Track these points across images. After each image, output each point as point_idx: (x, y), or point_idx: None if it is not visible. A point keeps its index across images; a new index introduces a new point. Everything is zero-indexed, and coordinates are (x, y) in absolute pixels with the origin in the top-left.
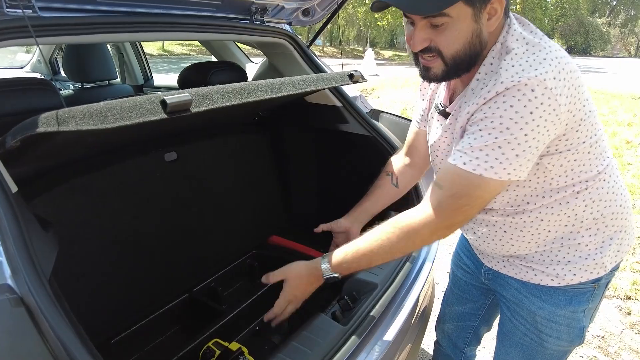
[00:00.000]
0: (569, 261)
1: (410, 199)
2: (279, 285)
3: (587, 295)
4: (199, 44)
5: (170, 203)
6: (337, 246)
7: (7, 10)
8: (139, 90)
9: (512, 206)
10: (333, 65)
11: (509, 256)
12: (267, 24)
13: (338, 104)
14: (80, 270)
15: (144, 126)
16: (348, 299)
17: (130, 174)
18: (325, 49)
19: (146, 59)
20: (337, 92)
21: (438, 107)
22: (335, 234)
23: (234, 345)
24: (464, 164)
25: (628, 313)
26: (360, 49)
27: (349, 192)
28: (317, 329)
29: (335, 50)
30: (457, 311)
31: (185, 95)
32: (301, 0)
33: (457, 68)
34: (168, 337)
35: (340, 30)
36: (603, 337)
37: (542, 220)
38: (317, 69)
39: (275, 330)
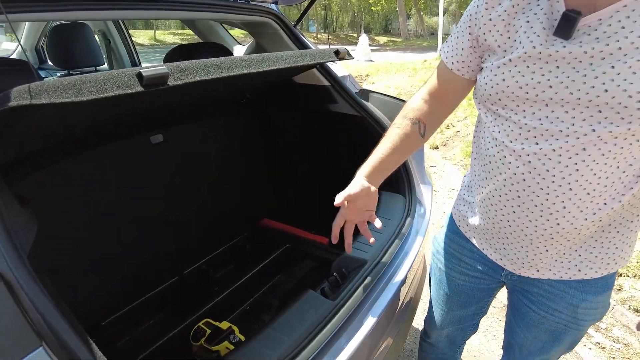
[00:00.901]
0: (617, 247)
1: (400, 178)
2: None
3: (615, 274)
4: (191, 33)
5: (157, 186)
6: (351, 211)
7: None
8: None
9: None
10: None
11: (564, 254)
12: (251, 2)
13: (327, 84)
14: (66, 254)
15: (125, 104)
16: (337, 276)
17: (115, 157)
18: (319, 35)
19: (134, 45)
20: (326, 71)
21: (564, 19)
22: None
23: (224, 324)
24: None
25: (620, 290)
26: (355, 35)
27: (339, 173)
28: (306, 305)
29: (330, 36)
30: (459, 316)
31: (162, 68)
32: None
33: None
34: (159, 319)
35: (334, 17)
36: None
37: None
38: (304, 47)
39: (265, 310)
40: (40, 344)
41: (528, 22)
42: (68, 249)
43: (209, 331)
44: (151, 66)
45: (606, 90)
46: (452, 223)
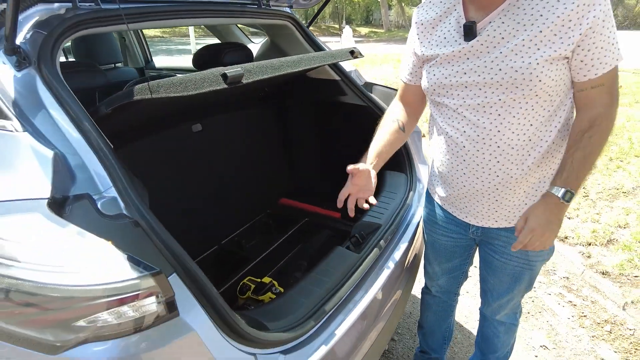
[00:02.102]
0: None
1: (403, 160)
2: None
3: None
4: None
5: (198, 167)
6: (356, 187)
7: (80, 3)
8: (141, 72)
9: (566, 115)
10: None
11: (511, 201)
12: (272, 7)
13: (337, 78)
14: None
15: (179, 98)
16: (358, 237)
17: (167, 142)
18: None
19: (147, 43)
20: (336, 67)
21: (466, 28)
22: (356, 177)
23: (266, 279)
24: (617, 59)
25: (588, 257)
26: (337, 26)
27: (348, 157)
28: (335, 257)
29: (311, 28)
30: (448, 267)
31: (238, 69)
32: None
33: None
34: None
35: (316, 7)
36: (567, 277)
37: (560, 139)
38: (316, 46)
39: (296, 268)
40: (174, 271)
41: (444, 33)
42: None
43: (253, 286)
44: (229, 68)
45: (500, 69)
46: (428, 196)
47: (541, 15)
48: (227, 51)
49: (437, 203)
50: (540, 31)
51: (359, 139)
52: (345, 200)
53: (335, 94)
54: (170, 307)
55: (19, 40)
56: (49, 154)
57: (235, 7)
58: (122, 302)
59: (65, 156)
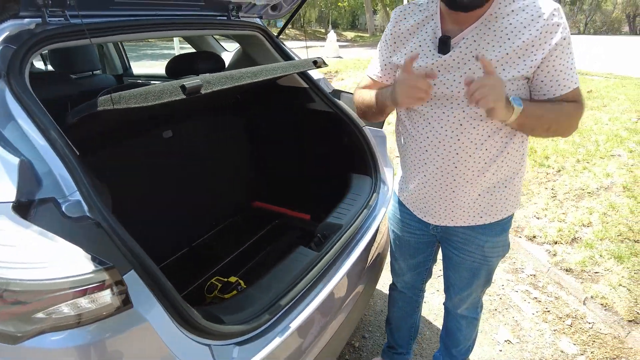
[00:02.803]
0: (507, 198)
1: (368, 164)
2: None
3: (510, 221)
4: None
5: (170, 172)
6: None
7: (49, 19)
8: (119, 79)
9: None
10: (295, 47)
11: (466, 202)
12: (242, 19)
13: (305, 85)
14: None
15: (150, 106)
16: (320, 237)
17: (139, 148)
18: (287, 31)
19: (125, 51)
20: (304, 75)
21: (441, 42)
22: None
23: (232, 279)
24: (576, 83)
25: (554, 255)
26: (323, 30)
27: (317, 160)
28: (296, 256)
29: (297, 32)
30: (412, 264)
31: (197, 81)
32: None
33: None
34: (175, 281)
35: (302, 12)
36: (534, 275)
37: (516, 150)
38: (285, 56)
39: (263, 267)
40: (131, 268)
41: (419, 43)
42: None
43: (220, 285)
44: (188, 79)
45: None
46: (395, 195)
47: (509, 39)
48: (198, 60)
49: (401, 201)
50: (507, 53)
51: (327, 143)
52: None
53: (304, 101)
54: (124, 299)
55: None
56: (16, 161)
57: (204, 19)
58: (78, 294)
59: (32, 163)
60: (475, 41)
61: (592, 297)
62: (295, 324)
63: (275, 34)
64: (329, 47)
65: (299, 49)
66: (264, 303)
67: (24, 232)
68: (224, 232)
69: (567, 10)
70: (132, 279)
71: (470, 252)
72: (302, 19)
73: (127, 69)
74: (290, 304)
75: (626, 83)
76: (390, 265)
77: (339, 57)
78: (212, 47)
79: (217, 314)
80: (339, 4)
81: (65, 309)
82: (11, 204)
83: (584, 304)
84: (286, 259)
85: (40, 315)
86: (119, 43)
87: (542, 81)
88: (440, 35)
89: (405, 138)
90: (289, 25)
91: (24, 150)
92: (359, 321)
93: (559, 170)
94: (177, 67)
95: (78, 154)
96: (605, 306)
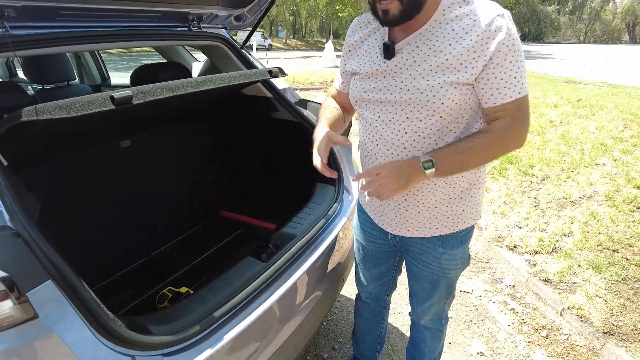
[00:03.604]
0: (463, 210)
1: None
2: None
3: (469, 234)
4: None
5: (127, 182)
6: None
7: None
8: (97, 89)
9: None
10: (296, 57)
11: (421, 214)
12: (203, 29)
13: (269, 95)
14: (56, 230)
15: (101, 116)
16: (272, 247)
17: (92, 158)
18: (288, 41)
19: (102, 61)
20: (268, 85)
21: (385, 47)
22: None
23: (182, 289)
24: (519, 92)
25: (534, 265)
26: (324, 40)
27: (283, 168)
28: (241, 266)
29: (298, 42)
30: (376, 274)
31: (128, 91)
32: (232, 9)
33: (412, 9)
34: (130, 290)
35: (303, 22)
36: (513, 285)
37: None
38: (249, 65)
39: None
40: (49, 278)
41: (368, 50)
42: (57, 226)
43: (170, 295)
44: (120, 90)
45: (409, 90)
46: (359, 204)
47: (450, 44)
48: (164, 71)
49: (363, 210)
50: (447, 59)
51: (293, 151)
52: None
53: (268, 110)
54: (27, 310)
55: None
56: None
57: (163, 30)
58: None
59: None
60: (417, 47)
61: (569, 308)
62: (230, 335)
63: (243, 44)
64: (326, 57)
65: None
66: (198, 314)
67: None
68: (185, 242)
69: (566, 19)
70: (47, 288)
71: (428, 264)
72: (303, 30)
73: (105, 78)
74: (227, 315)
75: (617, 92)
76: (355, 275)
77: (336, 66)
78: (182, 57)
79: (146, 324)
80: (340, 14)
81: None
82: None
83: (561, 315)
84: (230, 269)
85: None
86: (96, 54)
87: (482, 89)
88: (385, 41)
89: (360, 143)
90: (290, 35)
91: None
92: (318, 332)
93: (543, 179)
94: (140, 77)
95: (5, 164)
96: (582, 317)
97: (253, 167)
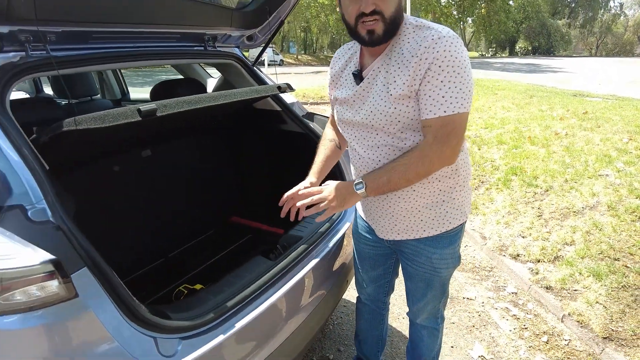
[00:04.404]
0: (447, 212)
1: (334, 177)
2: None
3: (458, 234)
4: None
5: (147, 188)
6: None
7: (31, 52)
8: (117, 104)
9: None
10: (307, 72)
11: (407, 218)
12: (218, 49)
13: (278, 108)
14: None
15: (126, 127)
16: (280, 248)
17: (115, 166)
18: (300, 56)
19: (123, 78)
20: (277, 99)
21: (357, 75)
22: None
23: (197, 286)
24: (445, 111)
25: (536, 273)
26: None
27: (291, 178)
28: (252, 264)
29: (309, 57)
30: (373, 276)
31: (152, 105)
32: (244, 29)
33: (393, 28)
34: (149, 288)
35: (314, 38)
36: (516, 293)
37: (444, 170)
38: (260, 82)
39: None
40: (84, 265)
41: (346, 77)
42: (86, 224)
43: (186, 292)
44: (146, 104)
45: (371, 111)
46: (356, 210)
47: (399, 68)
48: (181, 87)
49: (360, 215)
50: (395, 81)
51: (300, 162)
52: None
53: (277, 123)
54: (70, 290)
55: None
56: None
57: (182, 50)
58: (27, 283)
59: (5, 175)
60: (379, 71)
61: (569, 314)
62: (241, 323)
63: (268, 62)
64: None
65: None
66: (212, 304)
67: None
68: (199, 245)
69: (577, 33)
70: (84, 274)
71: (421, 264)
72: (314, 45)
73: (125, 93)
74: (238, 306)
75: (624, 104)
76: (355, 277)
77: None
78: (198, 74)
79: (166, 311)
80: None
81: (18, 295)
82: None
83: (562, 321)
84: (242, 266)
85: None
86: (117, 70)
87: (418, 103)
88: (355, 69)
89: (350, 158)
90: (302, 51)
91: (0, 163)
92: (322, 329)
93: (547, 190)
94: (160, 92)
95: (47, 168)
96: (582, 323)
97: (262, 176)
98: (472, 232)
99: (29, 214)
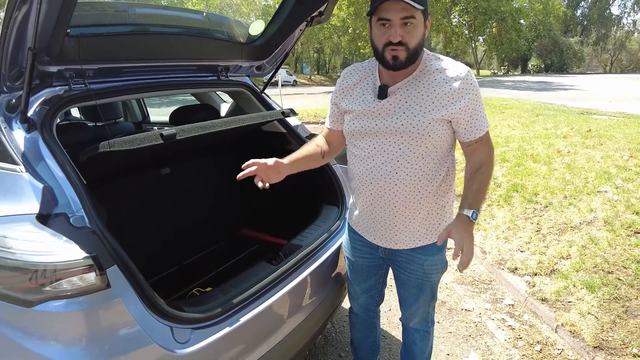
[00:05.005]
0: (440, 223)
1: (336, 195)
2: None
3: (446, 241)
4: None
5: (165, 203)
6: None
7: (73, 86)
8: (138, 126)
9: (441, 165)
10: (319, 92)
11: (407, 228)
12: (230, 78)
13: (284, 131)
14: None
15: (150, 148)
16: (282, 255)
17: (140, 182)
18: (313, 77)
19: (144, 103)
20: (283, 122)
21: (380, 89)
22: (263, 166)
23: (208, 289)
24: (487, 126)
25: (533, 285)
26: None
27: (296, 193)
28: (257, 268)
29: (322, 78)
30: (365, 287)
31: (173, 130)
32: (253, 61)
33: (413, 58)
34: (164, 292)
35: (327, 59)
36: (512, 304)
37: (444, 183)
38: (268, 107)
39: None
40: (114, 263)
41: (362, 92)
42: (113, 232)
43: (198, 294)
44: (167, 128)
45: (402, 124)
46: (348, 225)
47: (434, 90)
48: (197, 112)
49: (352, 228)
50: (432, 102)
51: (303, 179)
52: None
53: (283, 144)
54: (105, 281)
55: (30, 113)
56: (41, 186)
57: (197, 80)
58: (71, 274)
59: (52, 188)
60: (407, 90)
61: (562, 324)
62: (244, 318)
63: (276, 88)
64: None
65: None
66: (220, 301)
67: (42, 234)
68: (211, 254)
69: (590, 50)
70: (114, 271)
71: (413, 271)
72: (327, 66)
73: (145, 116)
74: (243, 303)
75: (629, 122)
76: (347, 290)
77: None
78: (212, 99)
79: (181, 305)
80: (362, 51)
81: (65, 284)
82: (35, 215)
83: (555, 331)
84: (247, 270)
85: (47, 287)
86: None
87: (460, 125)
88: (380, 85)
89: (354, 169)
90: (315, 72)
91: (48, 179)
92: (321, 331)
93: (546, 206)
94: (178, 117)
95: (85, 183)
96: (574, 333)
97: (269, 191)
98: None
99: (71, 220)
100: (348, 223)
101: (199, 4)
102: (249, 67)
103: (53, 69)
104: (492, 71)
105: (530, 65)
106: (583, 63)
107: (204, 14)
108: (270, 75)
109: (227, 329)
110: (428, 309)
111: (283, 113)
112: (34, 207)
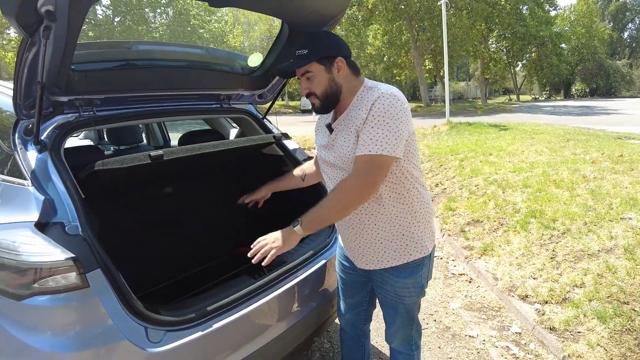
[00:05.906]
0: (407, 245)
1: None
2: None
3: (419, 267)
4: None
5: (166, 220)
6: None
7: (82, 113)
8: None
9: (391, 190)
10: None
11: (371, 249)
12: (232, 106)
13: (281, 154)
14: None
15: (146, 168)
16: (265, 269)
17: (142, 198)
18: None
19: (165, 127)
20: (280, 146)
21: (329, 126)
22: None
23: None
24: (369, 150)
25: (542, 314)
26: None
27: (292, 213)
28: (237, 280)
29: None
30: (351, 303)
31: (160, 151)
32: (255, 90)
33: (328, 102)
34: (159, 302)
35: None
36: (520, 333)
37: (397, 207)
38: (268, 132)
39: None
40: (98, 267)
41: (323, 127)
42: (107, 243)
43: None
44: (157, 150)
45: (338, 154)
46: (338, 239)
47: (354, 124)
48: (205, 136)
49: (339, 244)
50: (354, 136)
51: (299, 198)
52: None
53: (281, 166)
54: (84, 281)
55: (43, 136)
56: (42, 198)
57: (200, 108)
58: (55, 273)
59: (53, 200)
60: (339, 126)
61: (569, 355)
62: (217, 325)
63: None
64: None
65: None
66: (195, 307)
67: (36, 238)
68: (207, 269)
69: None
70: (97, 273)
71: (387, 291)
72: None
73: (166, 140)
74: (217, 312)
75: None
76: (336, 305)
77: None
78: (222, 125)
79: (158, 308)
80: (397, 78)
81: (50, 282)
82: (34, 222)
83: None
84: (228, 282)
85: (35, 284)
86: (161, 122)
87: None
88: (327, 122)
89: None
90: None
91: (51, 193)
92: (302, 347)
93: (564, 233)
94: (187, 140)
95: (83, 196)
96: None
97: (266, 212)
98: (485, 274)
99: (66, 228)
100: (338, 237)
101: (240, 36)
102: (251, 95)
103: (64, 98)
104: (533, 96)
105: (573, 89)
106: (633, 86)
107: (205, 49)
108: (271, 102)
109: (199, 333)
110: (410, 332)
111: (274, 137)
112: (35, 215)
